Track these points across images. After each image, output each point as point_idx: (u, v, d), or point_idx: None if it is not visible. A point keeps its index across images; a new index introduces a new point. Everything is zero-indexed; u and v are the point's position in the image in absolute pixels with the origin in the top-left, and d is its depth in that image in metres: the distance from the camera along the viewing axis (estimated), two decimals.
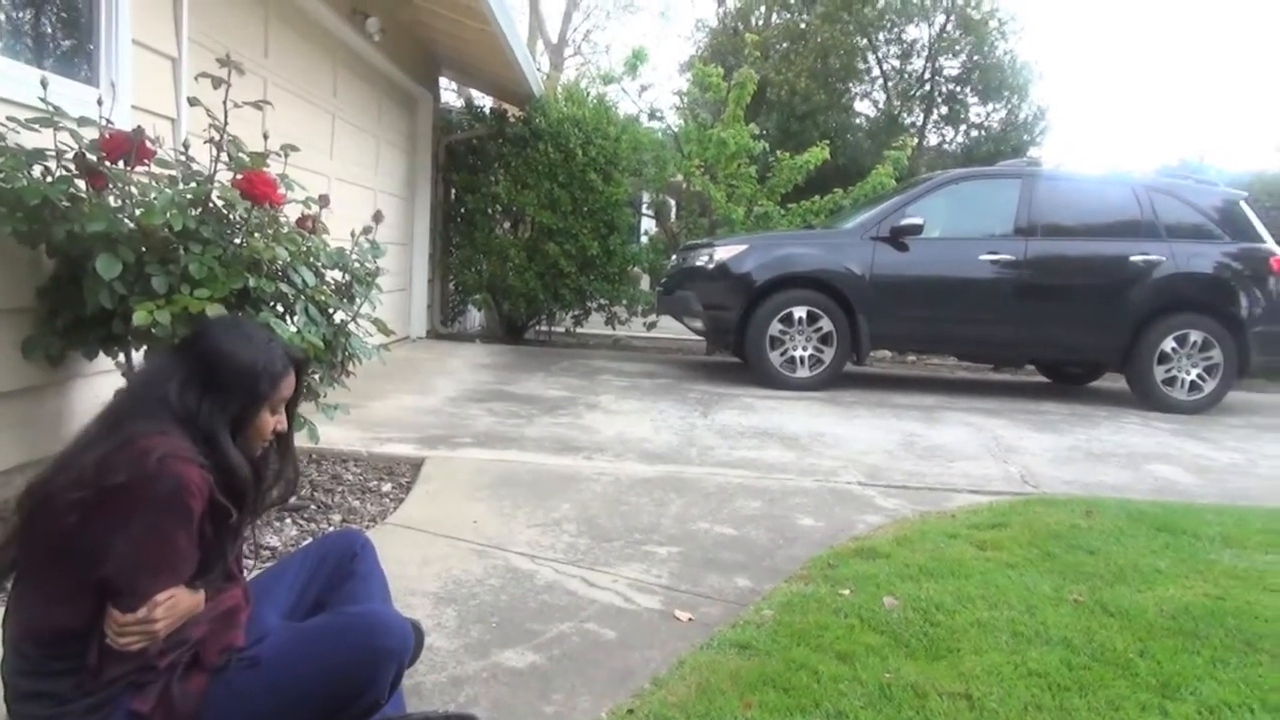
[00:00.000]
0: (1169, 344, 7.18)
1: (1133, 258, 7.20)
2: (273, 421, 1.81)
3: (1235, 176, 10.89)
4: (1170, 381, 7.23)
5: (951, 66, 15.96)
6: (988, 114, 16.00)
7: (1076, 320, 7.30)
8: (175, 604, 1.57)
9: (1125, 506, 4.03)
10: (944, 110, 16.06)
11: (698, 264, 7.60)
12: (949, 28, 15.54)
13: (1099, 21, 40.49)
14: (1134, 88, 40.66)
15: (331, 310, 3.24)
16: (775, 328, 7.15)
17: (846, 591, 2.87)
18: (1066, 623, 2.69)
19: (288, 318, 3.04)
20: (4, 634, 1.58)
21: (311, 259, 3.14)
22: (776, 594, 2.87)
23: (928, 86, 16.05)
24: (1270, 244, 7.45)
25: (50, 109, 2.76)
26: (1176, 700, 2.26)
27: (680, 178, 10.06)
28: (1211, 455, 5.57)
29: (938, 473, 4.68)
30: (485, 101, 11.10)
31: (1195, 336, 7.18)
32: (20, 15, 3.27)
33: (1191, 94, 40.41)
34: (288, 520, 3.32)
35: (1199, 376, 7.22)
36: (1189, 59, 42.80)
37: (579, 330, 10.79)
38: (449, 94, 12.20)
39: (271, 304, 3.00)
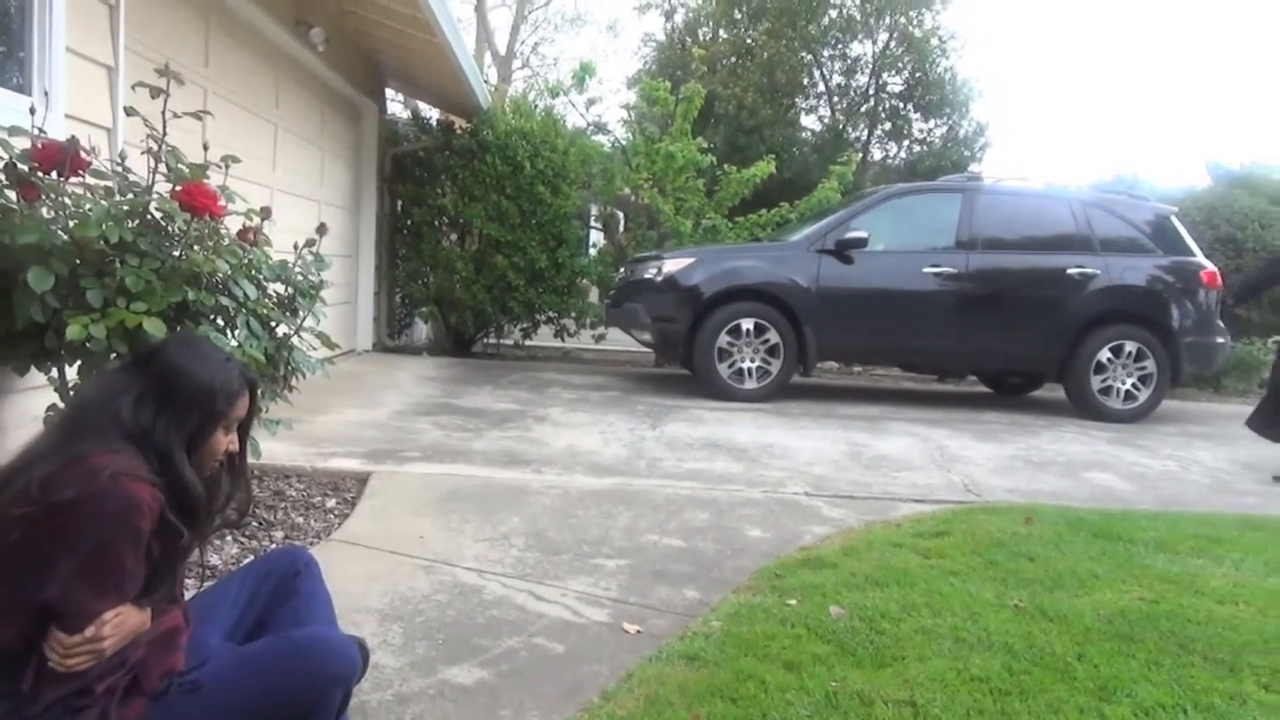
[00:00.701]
0: (1105, 354, 7.38)
1: (1069, 270, 7.39)
2: (225, 441, 1.78)
3: (1167, 192, 11.28)
4: (1106, 391, 7.42)
5: (895, 83, 16.29)
6: (930, 130, 16.34)
7: (1016, 331, 7.46)
8: (122, 622, 1.53)
9: (1064, 513, 4.12)
10: (887, 126, 16.37)
11: (646, 276, 7.62)
12: (892, 45, 15.86)
13: (1038, 40, 41.62)
14: (1071, 105, 41.79)
15: (274, 324, 3.18)
16: (723, 340, 7.20)
17: (793, 601, 2.89)
18: (1008, 628, 2.74)
19: (228, 331, 2.98)
20: None
21: (253, 272, 3.09)
22: (724, 605, 2.88)
23: (872, 102, 16.35)
24: (1200, 258, 7.70)
25: None
26: (1113, 703, 2.31)
27: (628, 191, 10.09)
28: (1146, 463, 5.72)
29: (883, 482, 4.74)
30: (432, 113, 11.04)
31: (1130, 347, 7.38)
32: None
33: (1125, 112, 41.68)
34: (228, 538, 3.26)
35: (1134, 386, 7.42)
36: (1124, 78, 44.15)
37: (528, 343, 10.75)
38: (395, 105, 12.12)
39: (212, 317, 2.93)
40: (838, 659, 2.48)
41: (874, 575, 3.14)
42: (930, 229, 7.68)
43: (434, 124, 10.30)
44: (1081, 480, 5.09)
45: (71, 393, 1.76)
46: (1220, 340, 7.72)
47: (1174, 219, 7.86)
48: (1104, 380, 7.41)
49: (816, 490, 4.47)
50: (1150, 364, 7.39)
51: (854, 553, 3.43)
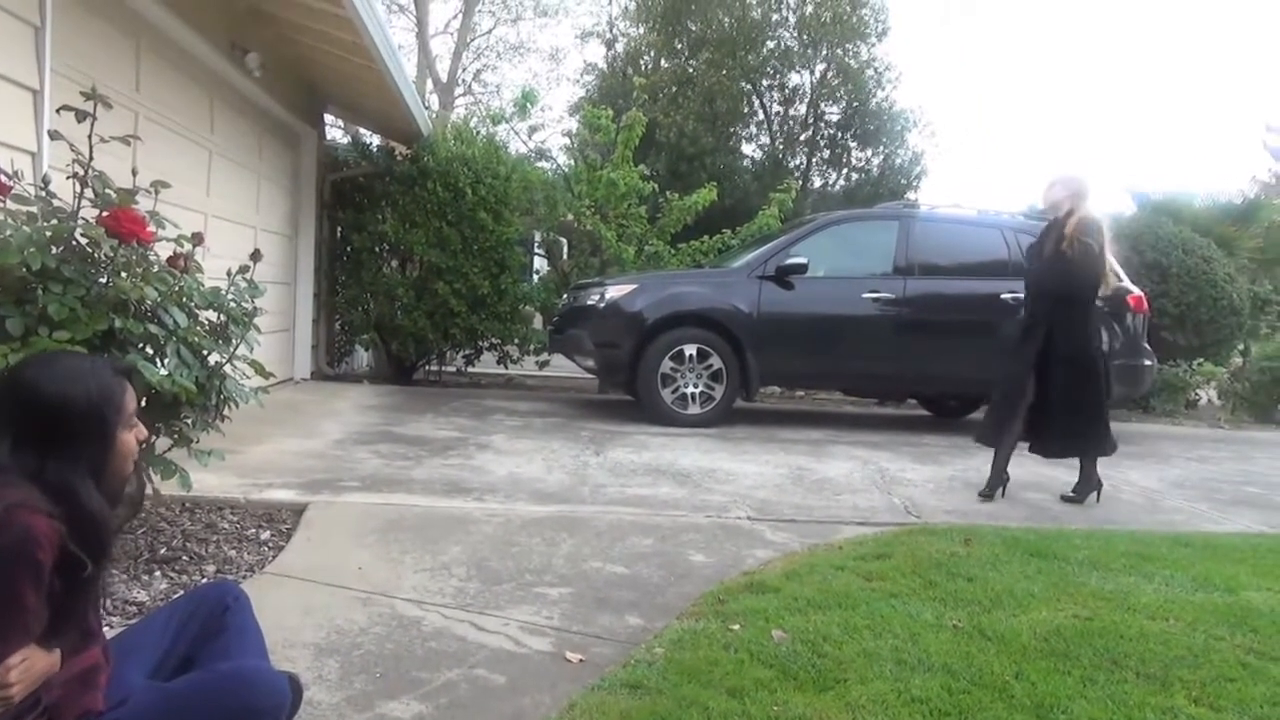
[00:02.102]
0: None
1: (1003, 295, 7.55)
2: (132, 438, 1.70)
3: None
4: None
5: (833, 112, 16.62)
6: (868, 158, 16.69)
7: (953, 355, 7.60)
8: (30, 666, 1.46)
9: (1001, 534, 4.19)
10: (826, 154, 16.69)
11: (589, 303, 7.63)
12: (829, 76, 16.19)
13: (971, 71, 42.84)
14: (1002, 134, 43.09)
15: (205, 352, 3.11)
16: (667, 365, 7.22)
17: (736, 627, 2.88)
18: (947, 649, 2.76)
19: (157, 360, 2.91)
20: None
21: (184, 299, 3.02)
22: (668, 631, 2.86)
23: (810, 131, 16.65)
24: (1127, 283, 7.93)
25: None
26: None
27: (571, 217, 10.11)
28: None
29: (825, 505, 4.77)
30: (373, 139, 10.95)
31: None
32: None
33: (1052, 140, 43.05)
34: (156, 573, 3.15)
35: None
36: (1052, 107, 45.65)
37: (471, 370, 10.66)
38: (335, 130, 12.00)
39: (140, 345, 2.86)
40: (780, 683, 2.48)
41: (816, 598, 3.15)
42: (868, 255, 7.82)
43: (375, 150, 10.22)
44: (1017, 501, 5.18)
45: None
46: (1148, 363, 7.96)
47: None
48: None
49: (760, 514, 4.49)
50: None
51: (796, 576, 3.43)
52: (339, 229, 9.91)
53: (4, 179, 2.71)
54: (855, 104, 16.11)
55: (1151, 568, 3.74)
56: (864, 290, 7.47)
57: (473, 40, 25.81)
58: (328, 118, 10.20)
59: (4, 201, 2.75)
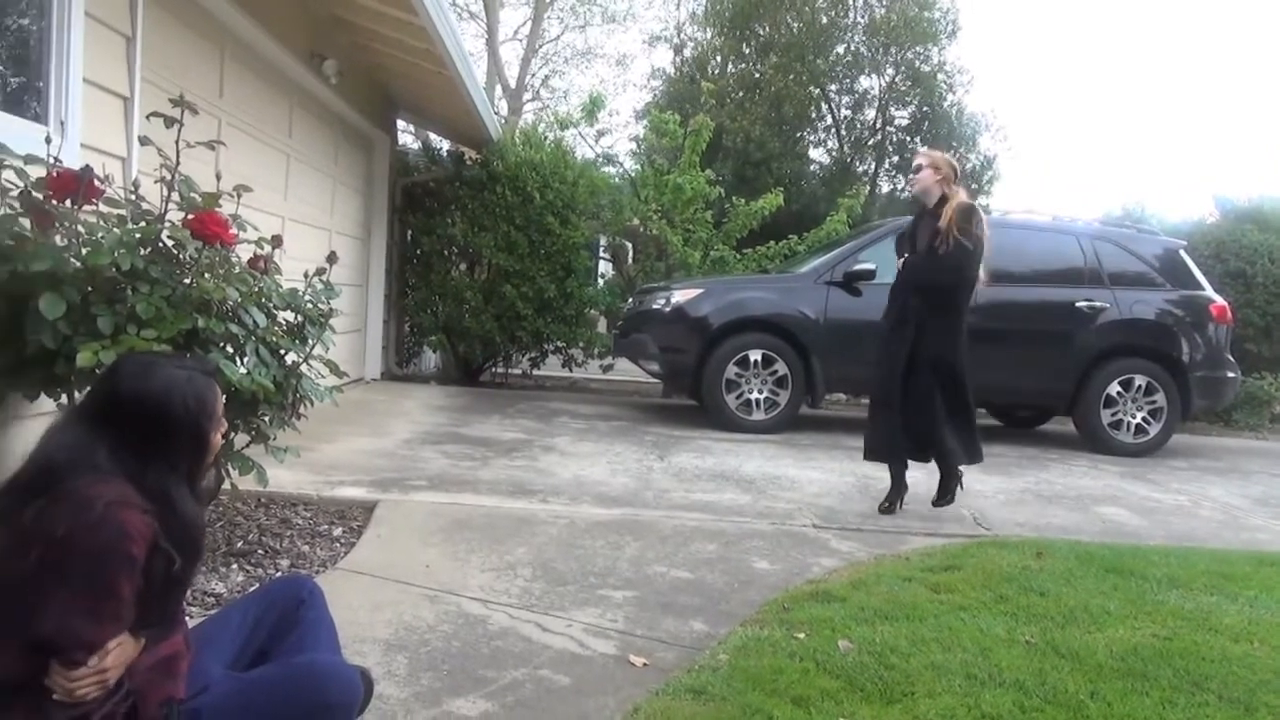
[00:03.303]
0: (1114, 388, 7.36)
1: (1078, 304, 7.38)
2: (219, 438, 1.77)
3: (1175, 226, 11.29)
4: (1116, 425, 7.39)
5: (902, 116, 16.38)
6: None
7: (1024, 365, 7.44)
8: (123, 650, 1.52)
9: (1075, 548, 4.08)
10: (895, 159, 16.44)
11: (654, 307, 7.64)
12: (899, 80, 15.96)
13: (1046, 74, 41.90)
14: (1079, 139, 41.99)
15: (283, 351, 3.20)
16: (731, 371, 7.19)
17: (802, 635, 2.86)
18: (1019, 664, 2.70)
19: (237, 359, 2.99)
20: None
21: (263, 300, 3.10)
22: (732, 638, 2.85)
23: (879, 136, 16.44)
24: (1209, 291, 7.69)
25: None
26: None
27: (637, 222, 10.14)
28: (1158, 497, 5.67)
29: (892, 515, 4.70)
30: (443, 144, 11.14)
31: (1140, 381, 7.36)
32: None
33: (1132, 146, 41.85)
34: (234, 566, 3.25)
35: (1144, 420, 7.39)
36: (1132, 111, 44.38)
37: (536, 372, 10.76)
38: (407, 136, 12.22)
39: (221, 345, 2.95)
40: (846, 694, 2.45)
41: (883, 609, 3.11)
42: None
43: (445, 154, 10.40)
44: (1092, 514, 5.05)
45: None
46: (1230, 375, 7.70)
47: (1183, 253, 7.87)
48: (1114, 414, 7.38)
49: (825, 522, 4.44)
50: (1160, 398, 7.37)
51: (863, 586, 3.40)
52: (409, 232, 10.10)
53: (96, 183, 2.81)
54: (925, 108, 15.86)
55: (1234, 587, 3.61)
56: None
57: (541, 46, 26.08)
58: (400, 123, 10.38)
59: (96, 204, 2.85)
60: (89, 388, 1.69)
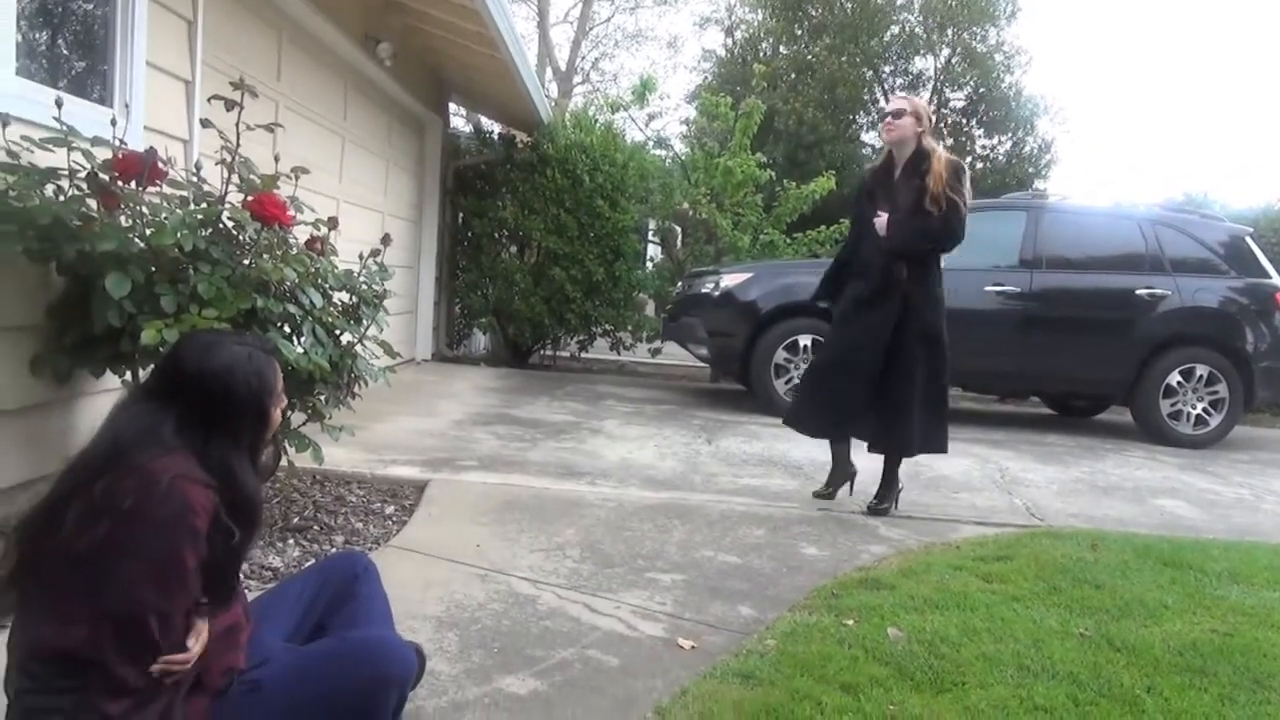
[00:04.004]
0: (1175, 378, 7.18)
1: (1138, 291, 7.21)
2: (279, 416, 1.81)
3: (1240, 212, 10.96)
4: (1176, 415, 7.21)
5: (957, 99, 16.11)
6: (993, 146, 16.12)
7: (1081, 353, 7.30)
8: (200, 631, 1.59)
9: (1131, 540, 4.00)
10: (950, 142, 16.16)
11: (703, 291, 7.61)
12: (955, 61, 15.68)
13: (1107, 56, 40.81)
14: (1140, 122, 40.88)
15: (338, 332, 3.25)
16: (780, 355, 7.15)
17: (850, 622, 2.85)
18: (1073, 657, 2.66)
19: (294, 338, 3.04)
20: (9, 653, 1.57)
21: (319, 280, 3.15)
22: (780, 623, 2.85)
23: (934, 118, 16.17)
24: (1276, 279, 7.46)
25: (64, 129, 2.78)
26: None
27: (686, 205, 10.10)
28: (1218, 490, 5.54)
29: (942, 503, 4.66)
30: (494, 127, 11.18)
31: (1201, 371, 7.18)
32: (36, 36, 3.30)
33: (1196, 129, 40.65)
34: (290, 541, 3.31)
35: (1205, 411, 7.21)
36: (1195, 93, 43.09)
37: (584, 355, 10.80)
38: (458, 119, 12.29)
39: (279, 324, 3.00)
40: (896, 682, 2.44)
41: (933, 598, 3.08)
42: (992, 247, 7.54)
43: (495, 137, 10.44)
44: (1149, 507, 4.94)
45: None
46: None
47: (1249, 240, 7.63)
48: (1173, 404, 7.21)
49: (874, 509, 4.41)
50: (1222, 388, 7.17)
51: (912, 574, 3.37)
52: (460, 215, 10.17)
53: (160, 165, 2.87)
54: (981, 89, 15.56)
55: None
56: (987, 283, 7.23)
57: (592, 29, 26.02)
58: (451, 106, 10.44)
59: (160, 186, 2.92)
60: (154, 366, 1.74)
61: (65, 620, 1.49)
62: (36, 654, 1.51)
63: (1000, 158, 15.92)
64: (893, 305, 4.15)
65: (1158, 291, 7.21)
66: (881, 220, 4.15)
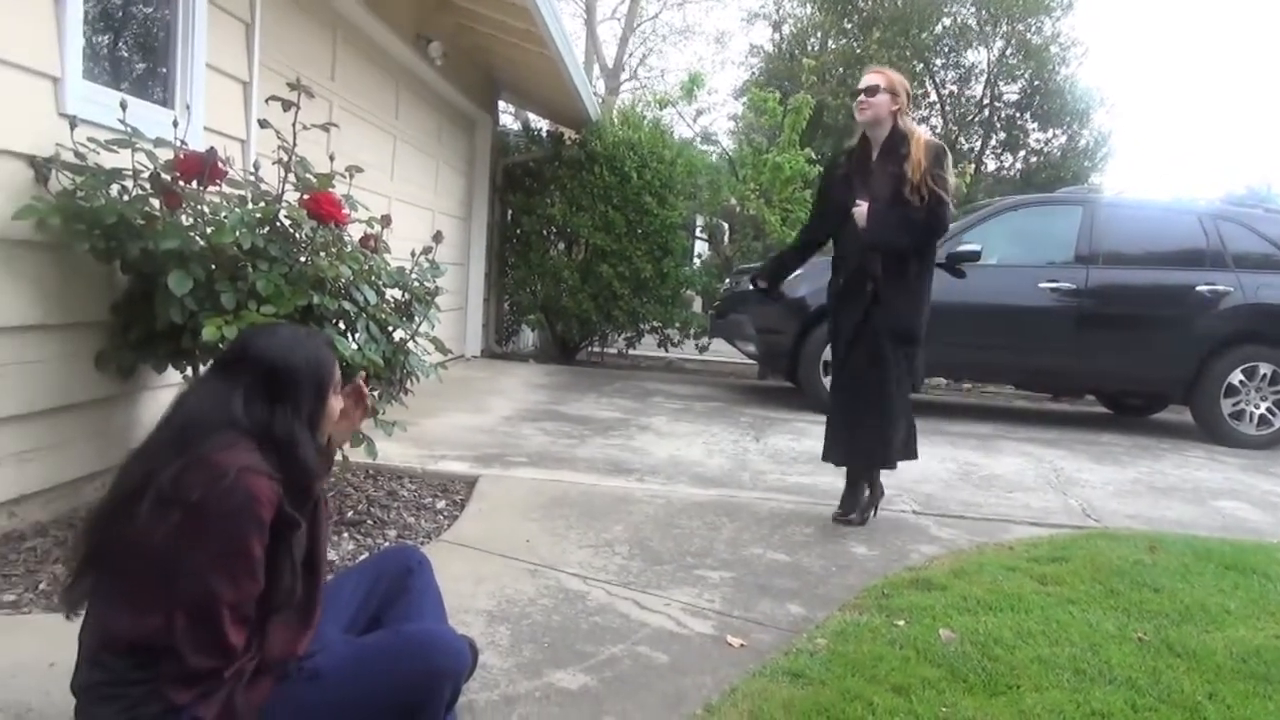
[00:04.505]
0: (1237, 376, 6.99)
1: (1199, 287, 7.03)
2: (338, 405, 1.86)
3: None
4: (1238, 415, 7.02)
5: (1011, 92, 15.80)
6: (1048, 140, 15.80)
7: (1139, 351, 7.13)
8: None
9: (1191, 543, 3.91)
10: (1002, 136, 15.90)
11: (751, 288, 7.56)
12: (1008, 53, 15.40)
13: (1164, 47, 39.81)
14: (1198, 113, 39.81)
15: (391, 328, 3.29)
16: (829, 352, 7.08)
17: (901, 622, 2.82)
18: (1131, 662, 2.61)
19: (349, 335, 3.09)
20: (80, 647, 1.62)
21: (373, 277, 3.20)
22: (830, 622, 2.83)
23: (986, 112, 15.90)
24: None
25: (128, 130, 2.86)
26: None
27: (734, 202, 10.07)
28: None
29: (995, 503, 4.59)
30: (542, 124, 11.24)
31: (1265, 369, 6.98)
32: (100, 40, 3.39)
33: (1256, 119, 39.48)
34: (345, 535, 3.37)
35: (1269, 410, 7.01)
36: (1254, 82, 41.83)
37: (631, 352, 10.82)
38: (507, 117, 12.38)
39: (334, 321, 3.06)
40: (949, 684, 2.41)
41: (986, 599, 3.04)
42: (1047, 243, 7.43)
43: (544, 135, 10.50)
44: (1210, 508, 4.82)
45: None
46: None
47: None
48: (1235, 404, 7.02)
49: (925, 509, 4.36)
50: None
51: (965, 575, 3.32)
52: (509, 212, 10.24)
53: (220, 164, 2.93)
54: (1036, 82, 15.24)
55: None
56: (1041, 279, 7.10)
57: (639, 25, 26.00)
58: (501, 105, 10.52)
59: (220, 185, 2.98)
60: (218, 354, 1.82)
61: (139, 611, 1.54)
62: (109, 645, 1.56)
63: (1055, 152, 15.59)
64: (860, 300, 3.86)
65: (1219, 288, 7.02)
66: (861, 210, 3.80)
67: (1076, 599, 3.11)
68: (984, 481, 5.08)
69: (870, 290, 3.84)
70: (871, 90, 3.77)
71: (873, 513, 4.02)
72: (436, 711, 1.73)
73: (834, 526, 3.94)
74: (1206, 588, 3.32)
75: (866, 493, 4.03)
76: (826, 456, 4.08)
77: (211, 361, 1.85)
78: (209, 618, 1.53)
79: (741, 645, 2.66)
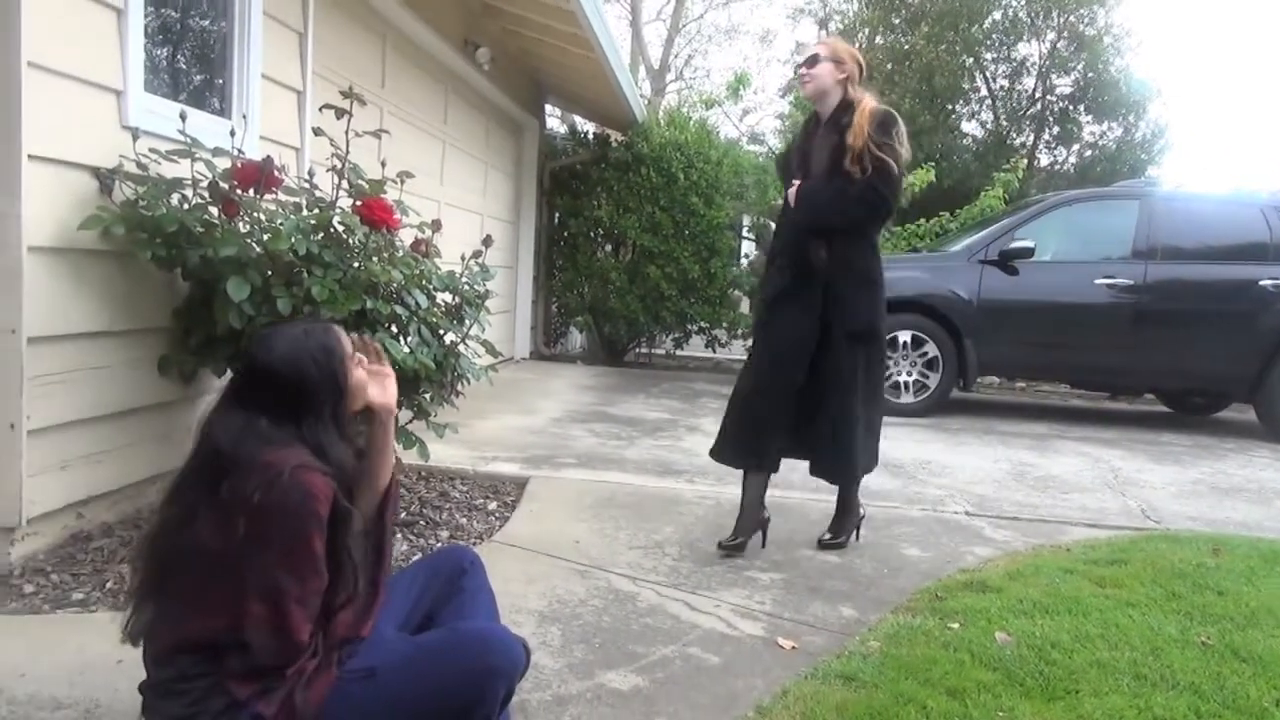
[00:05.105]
0: None
1: (1263, 282, 6.84)
2: (361, 375, 1.84)
3: None
4: None
5: (1064, 84, 15.49)
6: (1102, 133, 15.46)
7: (1200, 348, 6.96)
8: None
9: (1257, 545, 3.81)
10: (1055, 130, 15.58)
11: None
12: (1060, 45, 15.11)
13: (1222, 35, 38.73)
14: (1260, 103, 38.66)
15: (442, 331, 3.33)
16: None
17: (956, 625, 2.79)
18: (1194, 667, 2.55)
19: (401, 338, 3.14)
20: (144, 652, 1.66)
21: (424, 282, 3.24)
22: (882, 625, 2.81)
23: (1038, 105, 15.61)
24: None
25: (188, 141, 2.93)
26: None
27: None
28: None
29: (1051, 504, 4.51)
30: (588, 127, 11.29)
31: None
32: (160, 53, 3.48)
33: None
34: (398, 535, 3.41)
35: None
36: None
37: (679, 353, 10.82)
38: (554, 120, 12.45)
39: (386, 325, 3.10)
40: (1005, 688, 2.38)
41: (1043, 602, 2.99)
42: (1103, 238, 7.29)
43: (590, 137, 10.54)
44: (1276, 510, 4.69)
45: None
46: None
47: None
48: None
49: (978, 510, 4.30)
50: None
51: (1020, 577, 3.27)
52: (556, 215, 10.30)
53: (276, 173, 2.99)
54: (1089, 74, 14.91)
55: None
56: (1098, 276, 6.97)
57: (684, 26, 25.98)
58: (547, 108, 10.59)
59: (276, 193, 3.04)
60: (230, 377, 1.82)
61: (207, 614, 1.58)
62: (178, 648, 1.61)
63: (1110, 145, 15.25)
64: (812, 297, 3.38)
65: None
66: (793, 190, 3.43)
67: (1136, 602, 3.05)
68: (1039, 482, 4.99)
69: (819, 285, 3.38)
70: (811, 61, 3.40)
71: (855, 534, 3.67)
72: (491, 710, 1.75)
73: (885, 528, 3.91)
74: (1274, 591, 3.23)
75: (859, 512, 3.68)
76: (726, 458, 3.61)
77: (225, 388, 1.81)
78: (277, 615, 1.57)
79: (793, 647, 2.65)
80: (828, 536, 3.60)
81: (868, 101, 3.34)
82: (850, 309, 3.38)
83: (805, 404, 3.44)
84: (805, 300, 3.40)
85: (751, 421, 3.50)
